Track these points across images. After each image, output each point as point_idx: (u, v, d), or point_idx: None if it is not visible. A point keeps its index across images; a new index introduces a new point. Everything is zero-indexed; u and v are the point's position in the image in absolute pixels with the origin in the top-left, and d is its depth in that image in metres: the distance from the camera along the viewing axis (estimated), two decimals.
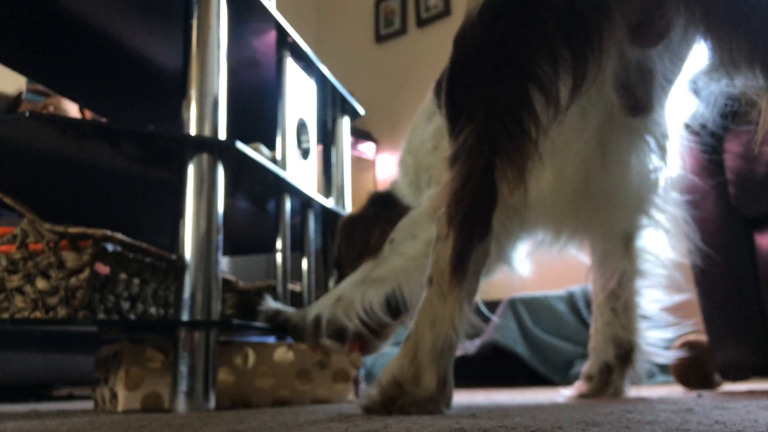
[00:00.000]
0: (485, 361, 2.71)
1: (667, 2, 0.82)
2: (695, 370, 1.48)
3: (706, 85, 0.95)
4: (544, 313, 2.80)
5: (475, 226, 0.84)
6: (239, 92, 1.40)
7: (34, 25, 1.32)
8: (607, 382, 1.29)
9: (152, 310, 1.21)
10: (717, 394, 1.29)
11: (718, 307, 1.34)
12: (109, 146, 1.15)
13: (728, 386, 1.59)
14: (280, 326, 1.26)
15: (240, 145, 1.16)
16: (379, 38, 4.45)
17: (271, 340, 1.36)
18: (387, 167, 4.20)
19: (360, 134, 4.07)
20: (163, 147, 1.15)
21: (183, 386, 1.06)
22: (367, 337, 1.20)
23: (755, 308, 1.30)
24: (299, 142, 1.47)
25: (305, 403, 1.28)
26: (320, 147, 1.72)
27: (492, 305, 2.75)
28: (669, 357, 1.31)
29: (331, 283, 1.58)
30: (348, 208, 1.71)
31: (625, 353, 1.28)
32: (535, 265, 1.24)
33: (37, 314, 1.05)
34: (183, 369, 1.06)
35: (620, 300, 1.27)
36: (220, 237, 1.14)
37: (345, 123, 1.76)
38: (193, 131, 1.14)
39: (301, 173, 1.45)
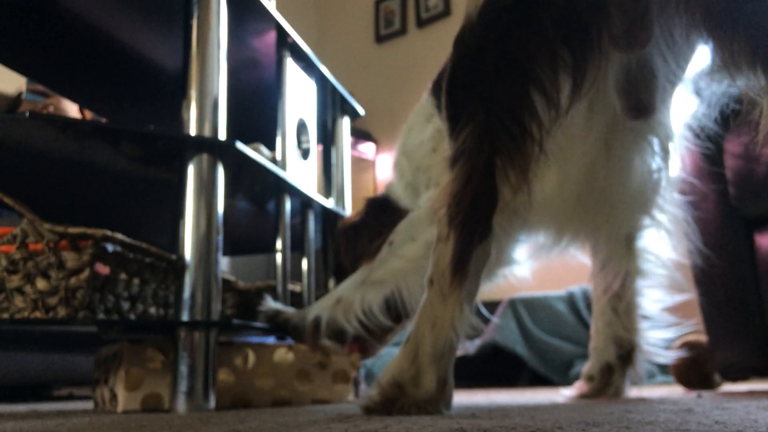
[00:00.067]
0: (485, 361, 2.71)
1: (651, 9, 0.82)
2: (695, 370, 1.48)
3: (708, 85, 0.95)
4: (544, 314, 2.79)
5: (475, 227, 0.84)
6: (239, 92, 1.40)
7: (34, 25, 1.32)
8: (609, 382, 1.29)
9: (152, 310, 1.21)
10: (717, 394, 1.29)
11: (718, 307, 1.34)
12: (109, 146, 1.15)
13: (728, 386, 1.59)
14: (280, 327, 1.26)
15: (240, 146, 1.16)
16: (379, 38, 4.45)
17: (271, 340, 1.36)
18: (387, 167, 4.20)
19: (360, 134, 4.07)
20: (163, 147, 1.15)
21: (183, 386, 1.06)
22: (366, 339, 1.20)
23: (755, 308, 1.30)
24: (299, 143, 1.47)
25: (305, 403, 1.28)
26: (320, 147, 1.72)
27: (492, 305, 2.75)
28: (669, 357, 1.31)
29: (331, 283, 1.58)
30: (348, 209, 1.71)
31: (626, 353, 1.28)
32: (535, 265, 1.24)
33: (37, 314, 1.05)
34: (183, 369, 1.06)
35: (622, 300, 1.27)
36: (220, 237, 1.14)
37: (345, 123, 1.76)
38: (193, 131, 1.14)
39: (301, 173, 1.45)
